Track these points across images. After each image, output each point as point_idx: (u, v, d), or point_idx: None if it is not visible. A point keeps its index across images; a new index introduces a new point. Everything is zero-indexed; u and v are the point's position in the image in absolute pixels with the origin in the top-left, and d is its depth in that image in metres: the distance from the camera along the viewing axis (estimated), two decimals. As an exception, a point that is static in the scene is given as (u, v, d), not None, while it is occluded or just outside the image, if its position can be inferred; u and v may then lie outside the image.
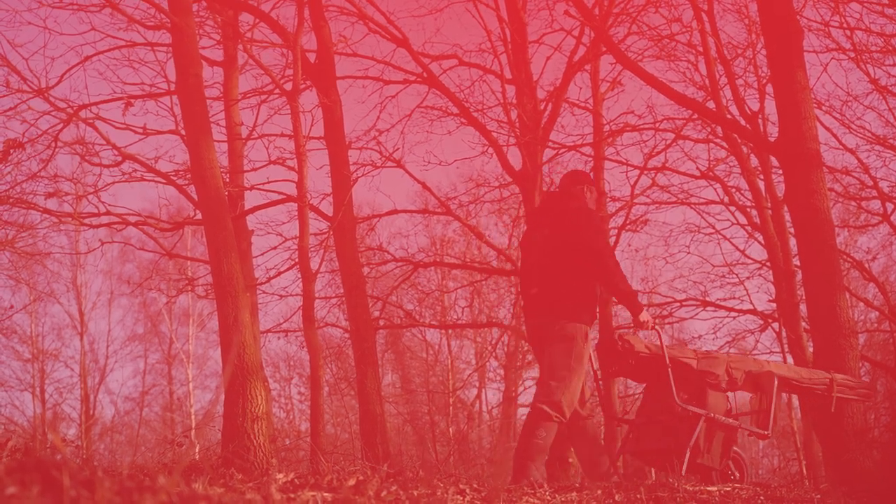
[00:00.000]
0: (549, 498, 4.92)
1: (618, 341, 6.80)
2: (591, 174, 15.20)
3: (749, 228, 17.02)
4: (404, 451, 21.42)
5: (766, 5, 10.08)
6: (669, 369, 6.72)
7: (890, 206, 16.39)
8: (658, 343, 6.79)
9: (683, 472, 6.59)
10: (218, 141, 11.78)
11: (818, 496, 5.84)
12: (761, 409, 7.24)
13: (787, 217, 14.59)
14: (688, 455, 6.64)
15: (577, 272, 6.43)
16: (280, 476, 3.85)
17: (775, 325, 16.79)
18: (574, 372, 6.33)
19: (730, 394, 7.20)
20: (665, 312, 16.91)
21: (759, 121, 15.11)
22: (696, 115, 14.43)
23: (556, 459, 7.02)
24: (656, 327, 6.63)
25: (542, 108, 14.15)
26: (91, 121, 12.11)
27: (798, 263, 12.80)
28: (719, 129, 15.45)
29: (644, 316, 6.52)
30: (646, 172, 15.56)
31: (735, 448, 7.08)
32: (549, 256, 6.51)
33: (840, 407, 8.47)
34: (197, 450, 11.27)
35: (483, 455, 24.22)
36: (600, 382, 7.49)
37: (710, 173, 16.35)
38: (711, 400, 6.90)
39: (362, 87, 16.73)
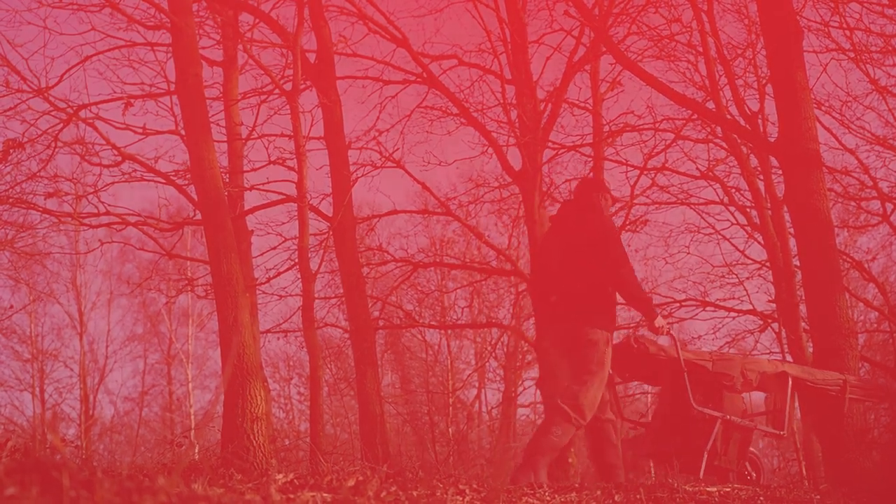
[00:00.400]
0: (548, 498, 4.91)
1: (633, 345, 6.84)
2: (592, 174, 15.21)
3: (749, 229, 17.01)
4: (404, 452, 21.42)
5: (765, 5, 10.08)
6: (685, 373, 6.75)
7: (889, 207, 16.38)
8: (672, 347, 6.84)
9: (702, 475, 6.63)
10: (218, 141, 11.78)
11: (818, 497, 5.84)
12: (776, 410, 7.28)
13: (787, 217, 14.58)
14: (705, 457, 6.68)
15: (596, 280, 6.51)
16: (279, 476, 3.85)
17: (775, 325, 16.78)
18: (595, 376, 6.42)
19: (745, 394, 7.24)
20: (665, 313, 16.89)
21: (759, 121, 15.10)
22: (695, 116, 14.42)
23: (556, 460, 7.04)
24: (671, 332, 6.67)
25: (541, 108, 14.14)
26: (91, 121, 12.11)
27: (798, 264, 12.80)
28: (719, 129, 15.44)
29: (659, 321, 6.59)
30: (645, 173, 15.55)
31: (751, 449, 7.11)
32: (568, 264, 6.59)
33: (840, 407, 8.47)
34: (196, 450, 11.27)
35: (483, 455, 24.21)
36: None
37: (710, 173, 16.33)
38: (727, 402, 6.93)
39: (362, 88, 16.70)
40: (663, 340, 7.12)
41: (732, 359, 7.23)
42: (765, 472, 7.33)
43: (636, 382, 11.09)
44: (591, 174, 15.19)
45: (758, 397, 8.32)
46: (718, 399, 6.92)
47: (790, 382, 7.32)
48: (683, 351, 6.94)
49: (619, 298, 6.71)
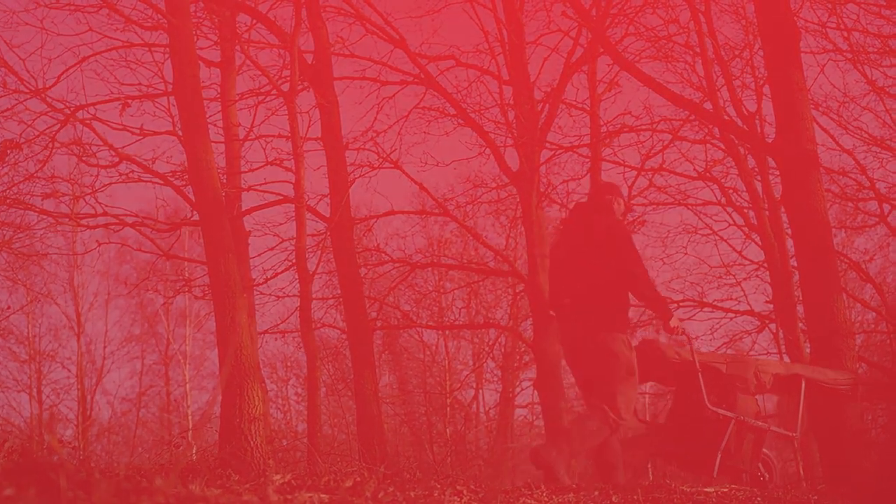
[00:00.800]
0: (546, 498, 4.91)
1: (648, 347, 6.88)
2: (589, 175, 15.21)
3: (746, 229, 17.01)
4: (401, 453, 21.42)
5: (763, 6, 10.09)
6: (700, 374, 6.79)
7: (887, 207, 16.38)
8: (688, 348, 6.88)
9: (715, 475, 6.66)
10: (215, 142, 11.78)
11: (815, 497, 5.84)
12: (789, 411, 7.35)
13: (785, 218, 14.59)
14: (719, 458, 6.72)
15: (609, 281, 6.53)
16: (277, 477, 3.85)
17: (772, 326, 16.78)
18: (627, 381, 6.49)
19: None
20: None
21: (757, 122, 15.10)
22: (693, 117, 14.42)
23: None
24: (686, 332, 6.71)
25: (539, 108, 14.13)
26: (88, 121, 12.10)
27: (795, 264, 12.80)
28: (716, 130, 15.43)
29: (674, 322, 6.62)
30: (643, 173, 15.55)
31: (764, 450, 7.15)
32: (581, 266, 6.61)
33: (838, 407, 8.48)
34: (194, 451, 11.27)
35: (480, 456, 24.21)
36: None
37: (708, 174, 16.33)
38: (741, 403, 6.97)
39: (360, 88, 16.72)
40: (664, 339, 7.16)
41: (746, 361, 7.30)
42: (777, 472, 7.38)
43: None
44: (589, 175, 15.19)
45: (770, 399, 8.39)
46: (732, 400, 6.97)
47: (803, 384, 7.39)
48: (698, 353, 6.99)
49: (632, 299, 6.75)
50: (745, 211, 16.72)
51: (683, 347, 7.04)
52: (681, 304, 17.06)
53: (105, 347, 29.65)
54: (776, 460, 7.51)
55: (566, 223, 7.10)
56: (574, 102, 15.33)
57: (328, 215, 12.22)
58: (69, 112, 11.86)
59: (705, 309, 17.08)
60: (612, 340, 6.46)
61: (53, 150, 12.05)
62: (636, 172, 15.41)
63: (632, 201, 15.40)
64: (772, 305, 16.14)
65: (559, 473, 6.03)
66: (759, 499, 5.58)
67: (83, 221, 12.96)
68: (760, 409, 7.28)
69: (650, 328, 17.87)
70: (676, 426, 7.06)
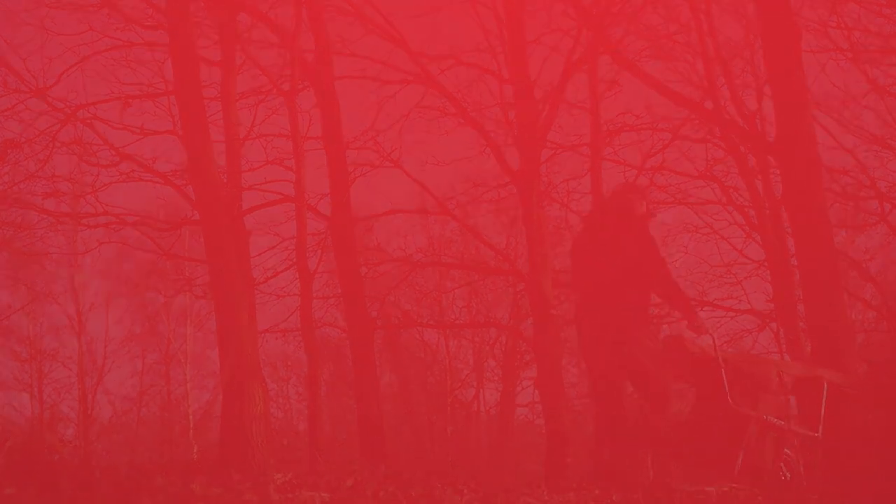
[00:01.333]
0: (546, 498, 4.91)
1: (670, 342, 6.88)
2: (590, 174, 15.19)
3: (747, 228, 16.99)
4: (402, 452, 21.41)
5: (764, 5, 10.08)
6: (723, 372, 6.80)
7: (888, 206, 16.38)
8: (711, 346, 6.90)
9: (737, 473, 6.66)
10: (216, 141, 11.77)
11: (815, 497, 5.84)
12: (811, 412, 7.35)
13: (785, 217, 14.57)
14: (741, 456, 6.72)
15: (632, 281, 6.54)
16: (278, 476, 3.85)
17: (773, 324, 16.77)
18: (660, 377, 6.55)
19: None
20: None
21: (757, 121, 15.09)
22: (694, 115, 14.40)
23: (554, 460, 7.05)
24: (710, 331, 6.74)
25: (539, 108, 14.11)
26: (89, 121, 12.11)
27: (796, 263, 12.79)
28: (717, 128, 15.41)
29: (699, 320, 6.64)
30: (644, 172, 15.54)
31: (786, 449, 7.16)
32: (605, 267, 6.62)
33: (840, 407, 8.48)
34: (195, 450, 11.28)
35: (481, 455, 24.20)
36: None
37: (708, 173, 16.31)
38: (763, 403, 6.98)
39: (360, 88, 16.71)
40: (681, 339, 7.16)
41: (768, 361, 7.34)
42: (801, 472, 7.37)
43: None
44: (590, 174, 15.17)
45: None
46: (754, 400, 6.98)
47: (825, 386, 7.42)
48: (721, 352, 7.00)
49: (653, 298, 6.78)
50: (746, 210, 16.69)
51: (704, 343, 7.05)
52: (681, 303, 17.01)
53: (106, 346, 29.65)
54: (799, 461, 7.50)
55: (589, 221, 7.14)
56: (575, 101, 15.30)
57: (329, 214, 12.22)
58: (70, 111, 11.87)
59: (706, 308, 17.08)
60: (642, 337, 6.48)
61: (54, 150, 12.06)
62: (637, 171, 15.39)
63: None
64: (773, 304, 16.13)
65: (625, 474, 6.10)
66: (759, 498, 5.58)
67: (84, 221, 12.97)
68: (782, 409, 7.30)
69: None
70: (698, 424, 7.07)
